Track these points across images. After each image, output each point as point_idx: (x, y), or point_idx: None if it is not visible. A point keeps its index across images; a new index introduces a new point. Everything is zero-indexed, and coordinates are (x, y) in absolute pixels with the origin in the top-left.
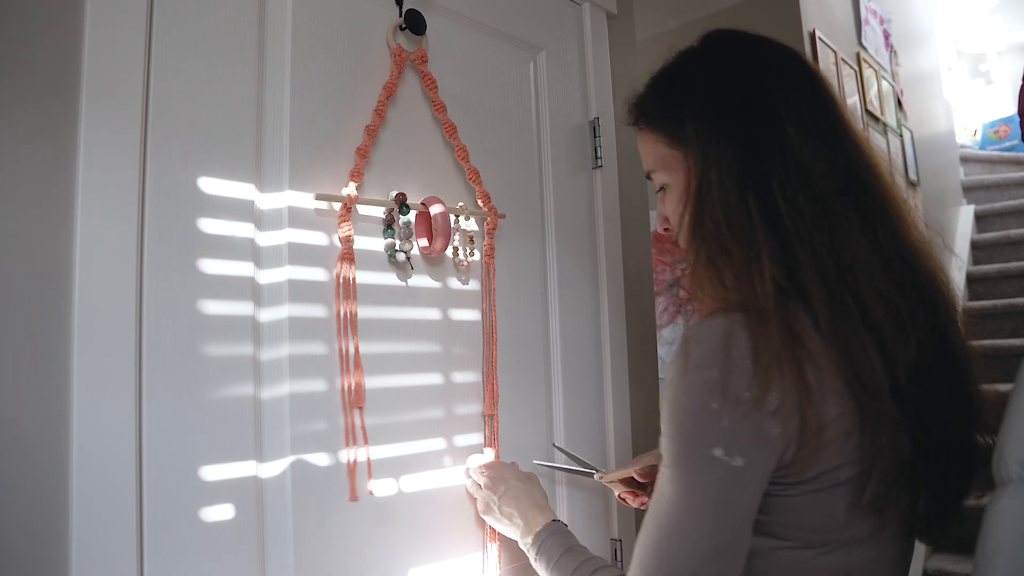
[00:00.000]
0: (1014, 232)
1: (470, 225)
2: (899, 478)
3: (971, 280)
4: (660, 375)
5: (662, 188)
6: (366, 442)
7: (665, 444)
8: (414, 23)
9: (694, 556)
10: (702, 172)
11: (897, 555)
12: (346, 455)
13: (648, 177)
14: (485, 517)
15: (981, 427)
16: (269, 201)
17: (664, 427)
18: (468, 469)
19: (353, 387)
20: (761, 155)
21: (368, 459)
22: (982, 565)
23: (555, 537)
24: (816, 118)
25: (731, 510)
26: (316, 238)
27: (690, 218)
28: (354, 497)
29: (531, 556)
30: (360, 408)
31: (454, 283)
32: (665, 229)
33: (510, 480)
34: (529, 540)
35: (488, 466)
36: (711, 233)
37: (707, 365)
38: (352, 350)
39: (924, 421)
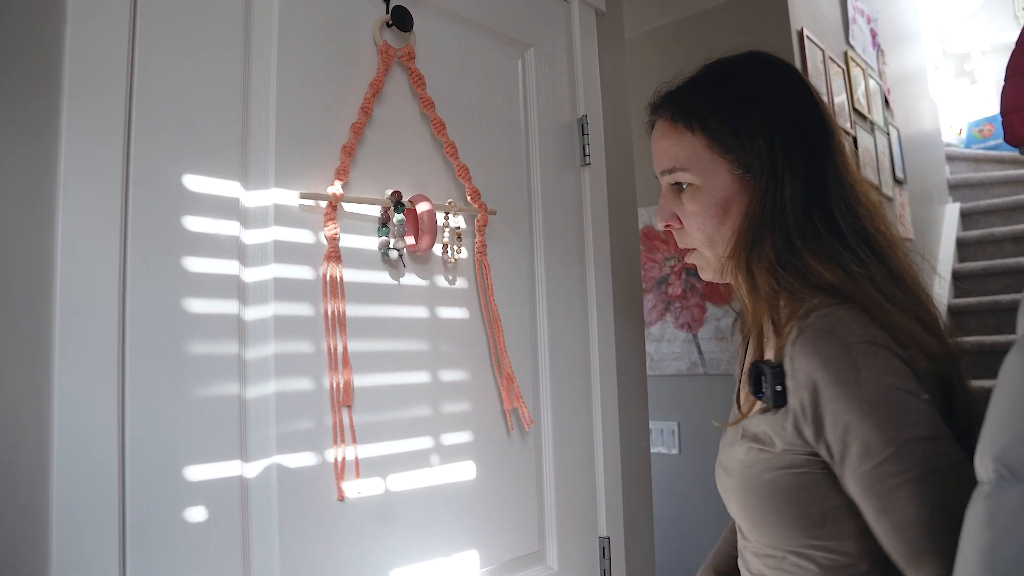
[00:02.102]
0: (998, 230)
1: (458, 222)
2: None
3: (956, 277)
4: (648, 372)
5: (677, 184)
6: (354, 441)
7: (873, 440)
8: (401, 20)
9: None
10: (770, 185)
11: None
12: (334, 454)
13: (664, 173)
14: None
15: None
16: (254, 199)
17: (876, 452)
18: None
19: (342, 385)
20: (823, 173)
21: (356, 458)
22: (963, 568)
23: None
24: (844, 155)
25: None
26: (302, 236)
27: (747, 226)
28: (341, 496)
29: None
30: (349, 406)
31: (440, 281)
32: (667, 227)
33: None
34: None
35: None
36: (779, 243)
37: (865, 330)
38: (340, 348)
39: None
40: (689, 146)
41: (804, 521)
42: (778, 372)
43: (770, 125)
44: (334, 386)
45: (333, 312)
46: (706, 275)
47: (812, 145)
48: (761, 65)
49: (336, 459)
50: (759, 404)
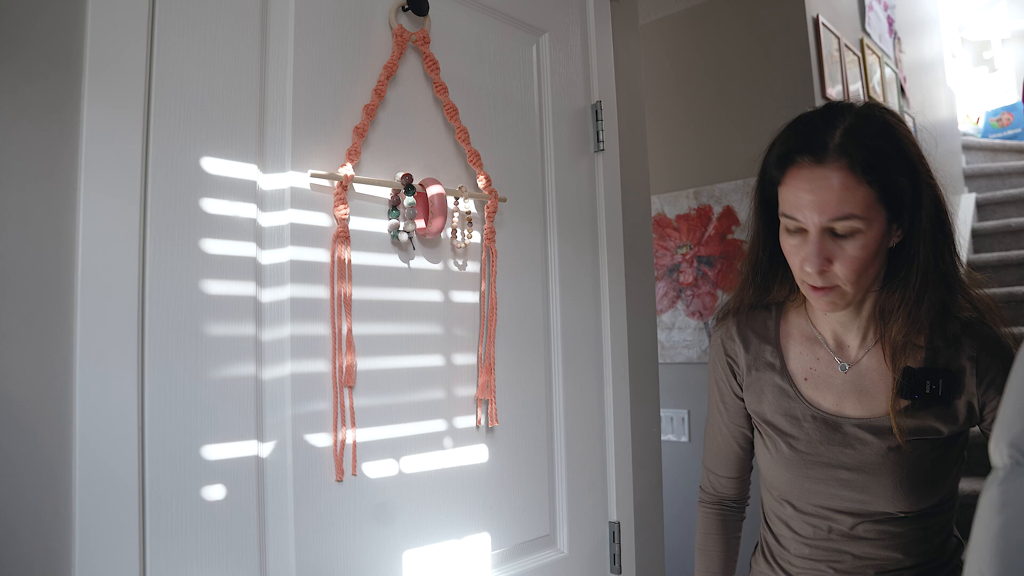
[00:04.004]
0: (1015, 221)
1: (468, 206)
2: None
3: (971, 268)
4: (659, 360)
5: (831, 231)
6: (353, 424)
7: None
8: (417, 4)
9: None
10: (921, 228)
11: None
12: (334, 436)
13: (836, 219)
14: None
15: None
16: (271, 182)
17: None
18: None
19: (345, 367)
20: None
21: (354, 440)
22: (976, 552)
23: None
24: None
25: None
26: (318, 219)
27: (925, 273)
28: (339, 477)
29: None
30: (350, 388)
31: (450, 265)
32: (822, 272)
33: None
34: None
35: None
36: (944, 283)
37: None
38: (345, 330)
39: None
40: (864, 196)
41: (955, 482)
42: (950, 375)
43: (925, 183)
44: (337, 367)
45: (340, 293)
46: (838, 308)
47: (932, 189)
48: (900, 123)
49: (336, 440)
50: (901, 403)
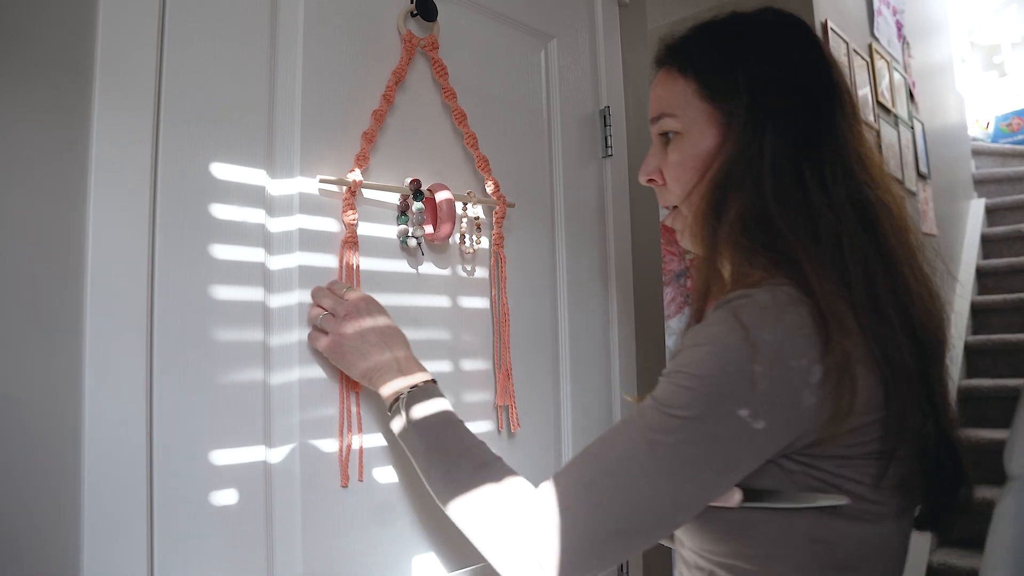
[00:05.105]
0: None
1: (476, 211)
2: (923, 462)
3: (981, 274)
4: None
5: (664, 134)
6: (360, 429)
7: (680, 392)
8: (425, 9)
9: (661, 508)
10: (752, 134)
11: (906, 540)
12: (339, 441)
13: (654, 120)
14: (335, 356)
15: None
16: (280, 187)
17: (686, 377)
18: (313, 294)
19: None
20: (819, 134)
21: (361, 447)
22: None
23: (435, 399)
24: (853, 121)
25: (733, 473)
26: (327, 224)
27: (717, 179)
28: (344, 483)
29: (400, 410)
30: (357, 393)
31: (459, 271)
32: (650, 181)
33: (384, 314)
34: (404, 393)
35: (352, 291)
36: (749, 200)
37: (759, 326)
38: None
39: (941, 419)
40: (680, 91)
41: None
42: None
43: (762, 74)
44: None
45: None
46: (684, 240)
47: (809, 103)
48: (770, 16)
49: (342, 446)
50: None
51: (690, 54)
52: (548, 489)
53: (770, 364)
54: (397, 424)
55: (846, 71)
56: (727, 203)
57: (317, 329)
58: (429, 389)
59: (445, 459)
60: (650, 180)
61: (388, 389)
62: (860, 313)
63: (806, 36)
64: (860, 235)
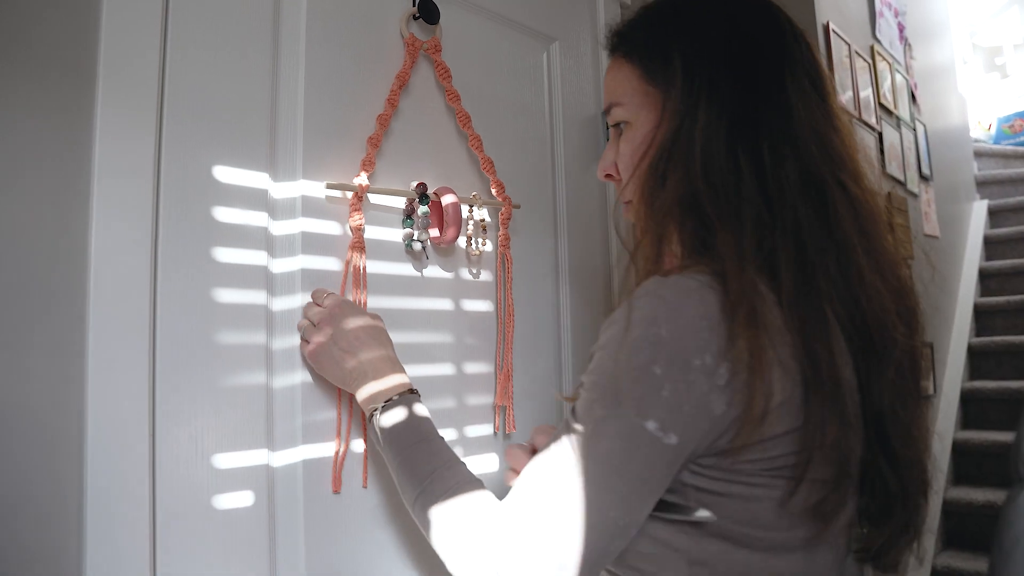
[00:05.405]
0: None
1: (482, 214)
2: (845, 484)
3: (984, 276)
4: None
5: (617, 125)
6: (364, 435)
7: (588, 405)
8: (428, 12)
9: (601, 532)
10: (684, 112)
11: (834, 570)
12: (336, 445)
13: (606, 113)
14: (315, 364)
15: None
16: (282, 190)
17: (590, 386)
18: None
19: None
20: (758, 110)
21: (364, 450)
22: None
23: (405, 410)
24: (815, 98)
25: (650, 488)
26: (330, 227)
27: (653, 162)
28: (336, 489)
29: (377, 416)
30: (351, 397)
31: (464, 273)
32: (607, 176)
33: (358, 316)
34: (380, 400)
35: (329, 297)
36: (681, 182)
37: (654, 322)
38: None
39: (887, 430)
40: (625, 78)
41: None
42: None
43: (694, 50)
44: None
45: (354, 303)
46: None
47: (744, 77)
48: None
49: (337, 451)
50: None
51: (633, 38)
52: (509, 510)
53: (669, 363)
54: (372, 436)
55: (848, 73)
56: (664, 188)
57: (303, 339)
58: (402, 399)
59: (413, 478)
60: (607, 176)
61: (361, 395)
62: (787, 306)
63: (752, 7)
64: (807, 219)
